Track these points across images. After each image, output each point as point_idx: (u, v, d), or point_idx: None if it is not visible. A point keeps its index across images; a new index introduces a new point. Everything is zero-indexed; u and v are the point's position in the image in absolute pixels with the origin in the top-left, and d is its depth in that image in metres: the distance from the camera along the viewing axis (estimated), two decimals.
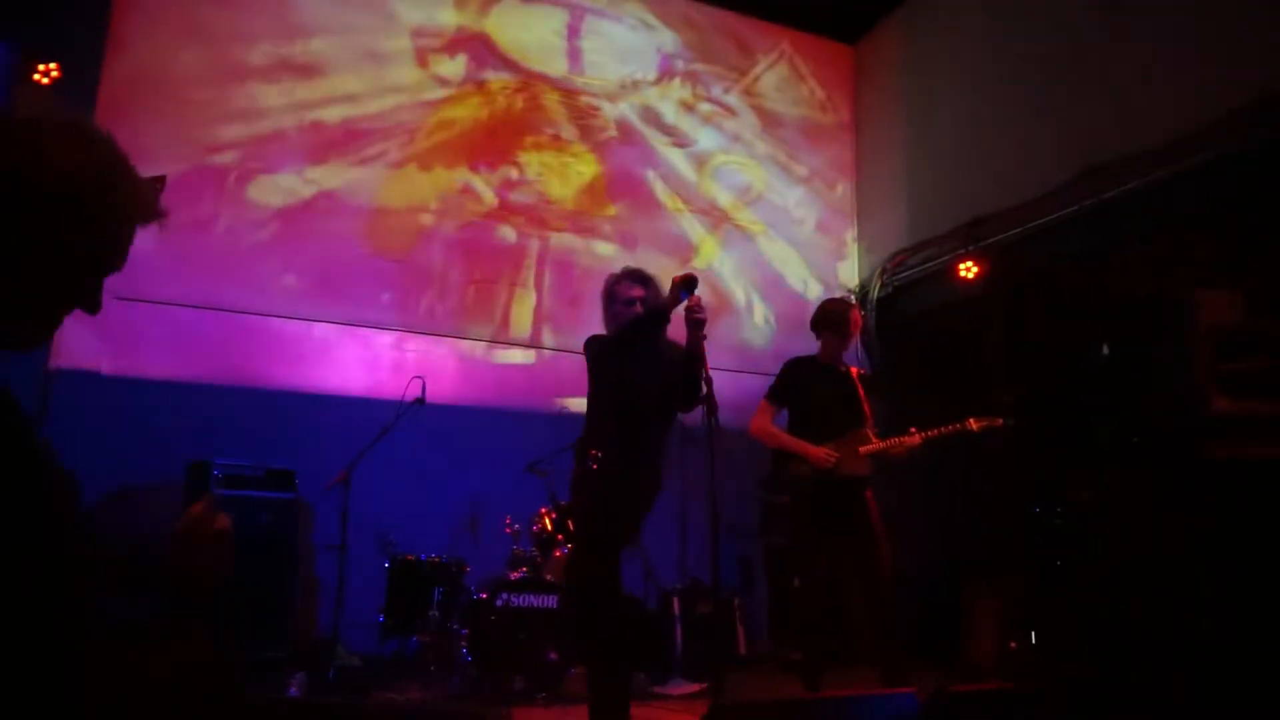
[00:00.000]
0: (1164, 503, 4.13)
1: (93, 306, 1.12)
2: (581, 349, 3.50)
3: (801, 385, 4.01)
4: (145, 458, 4.77)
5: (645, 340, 3.30)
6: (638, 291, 3.41)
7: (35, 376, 4.77)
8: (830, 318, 4.10)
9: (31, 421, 1.04)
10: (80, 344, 5.02)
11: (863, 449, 3.84)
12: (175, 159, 5.40)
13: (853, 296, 7.26)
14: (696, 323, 3.10)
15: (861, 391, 3.98)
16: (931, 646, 5.15)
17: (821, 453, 3.78)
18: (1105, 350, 4.95)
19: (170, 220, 1.18)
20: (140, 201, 1.14)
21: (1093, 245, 5.25)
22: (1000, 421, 3.77)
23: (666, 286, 3.34)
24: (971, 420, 3.83)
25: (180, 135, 5.49)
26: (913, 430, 3.83)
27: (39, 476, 1.02)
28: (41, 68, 4.39)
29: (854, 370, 4.08)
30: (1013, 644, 4.78)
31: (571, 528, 4.62)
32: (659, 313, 3.20)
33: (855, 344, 4.06)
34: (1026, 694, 2.65)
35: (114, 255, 1.12)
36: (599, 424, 3.41)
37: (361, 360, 5.71)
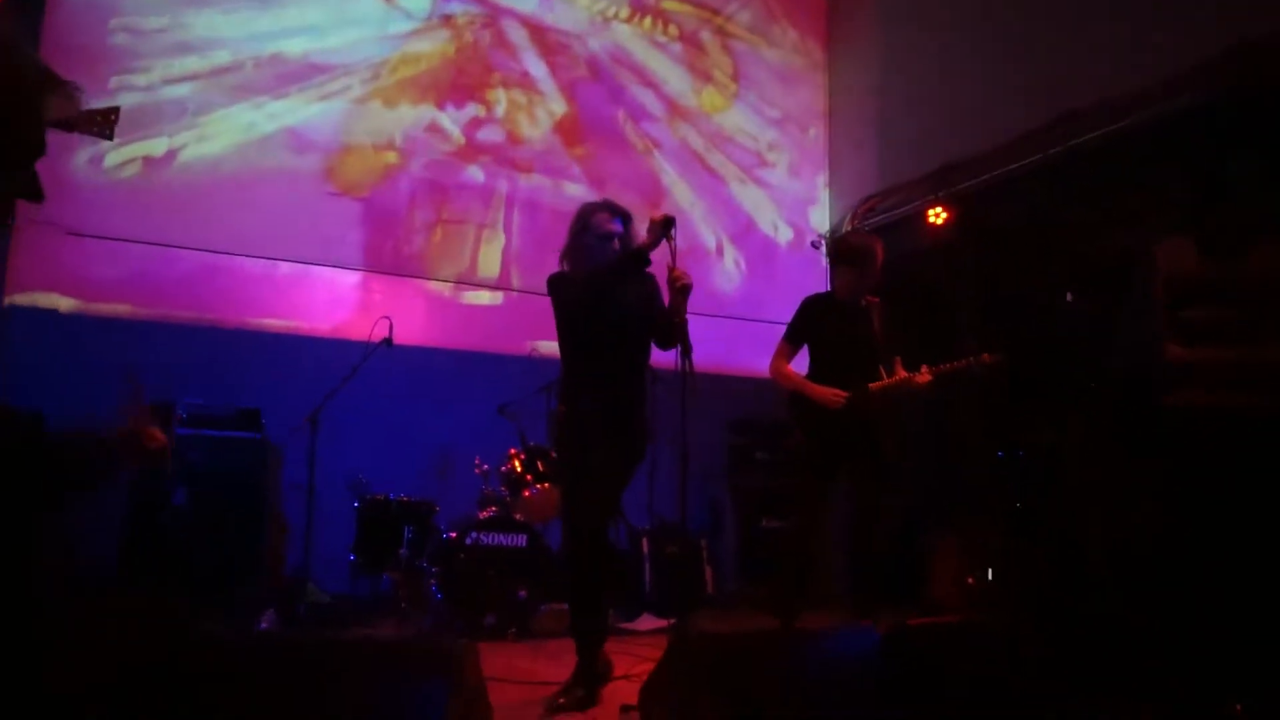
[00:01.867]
0: (1121, 447, 4.25)
1: (36, 194, 1.09)
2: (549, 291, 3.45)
3: (816, 324, 3.95)
4: (107, 397, 4.69)
5: (620, 280, 3.26)
6: (616, 227, 3.30)
7: None
8: (849, 252, 4.00)
9: None
10: (37, 279, 4.90)
11: (872, 385, 3.81)
12: (129, 90, 5.23)
13: (823, 241, 7.27)
14: (682, 290, 3.07)
15: (880, 326, 3.92)
16: (895, 586, 5.29)
17: (829, 393, 3.76)
18: (1069, 298, 5.02)
19: (117, 145, 1.09)
20: (50, 83, 1.08)
21: (1062, 194, 5.28)
22: (1002, 359, 3.76)
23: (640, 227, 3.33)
24: (985, 355, 3.77)
25: (134, 66, 5.30)
26: (924, 368, 3.79)
27: None
28: None
29: (873, 302, 3.98)
30: (970, 579, 4.93)
31: (542, 469, 4.66)
32: (639, 254, 3.17)
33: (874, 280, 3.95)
34: (981, 626, 2.75)
35: (38, 140, 1.07)
36: (571, 365, 3.39)
37: (328, 300, 5.64)
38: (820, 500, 3.89)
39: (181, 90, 5.40)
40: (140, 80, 5.30)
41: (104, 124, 4.78)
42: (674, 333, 3.09)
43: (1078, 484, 4.65)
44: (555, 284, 3.38)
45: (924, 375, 3.78)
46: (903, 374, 3.82)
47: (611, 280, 3.22)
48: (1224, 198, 3.30)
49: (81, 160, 5.09)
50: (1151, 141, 4.73)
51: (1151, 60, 4.72)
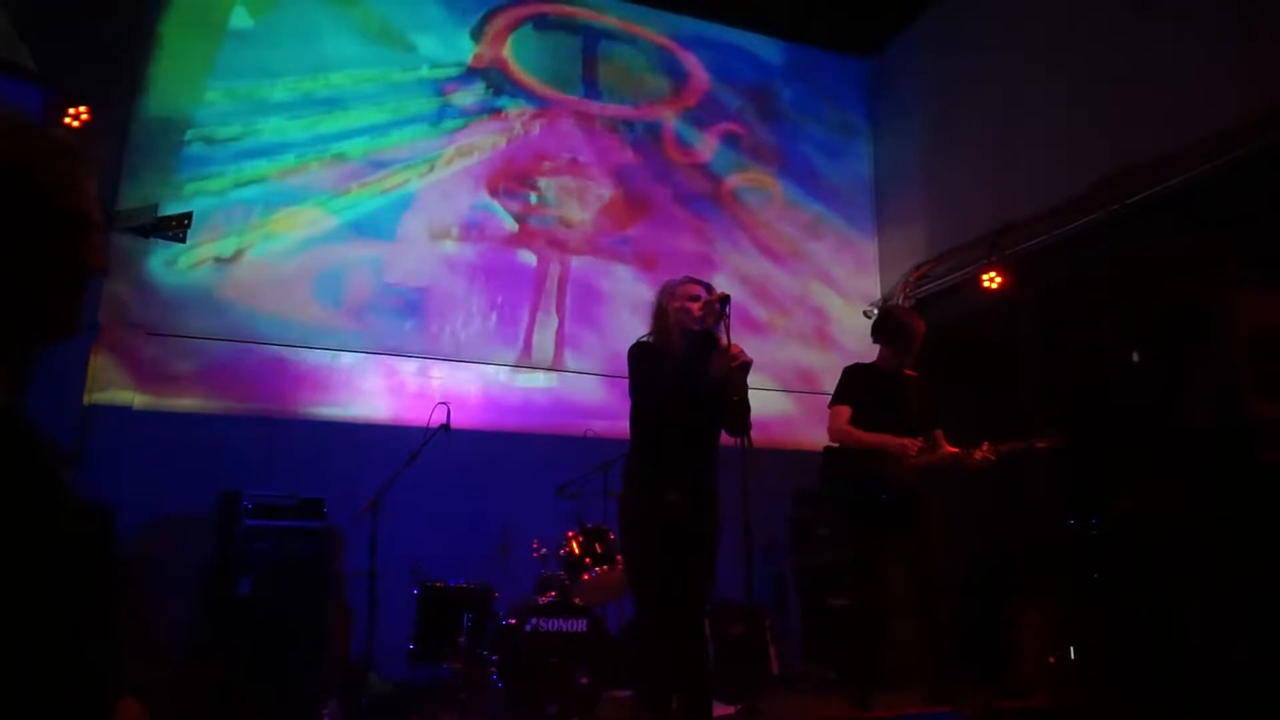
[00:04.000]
0: (1208, 509, 4.04)
1: (101, 264, 1.10)
2: (606, 369, 3.44)
3: (857, 391, 3.92)
4: (178, 489, 4.83)
5: (693, 358, 3.24)
6: (699, 290, 3.29)
7: (73, 413, 4.86)
8: (886, 328, 3.98)
9: (56, 462, 1.03)
10: (115, 378, 5.11)
11: (915, 460, 3.72)
12: (203, 194, 5.51)
13: (876, 311, 7.22)
14: (742, 367, 3.07)
15: (920, 399, 3.85)
16: (972, 661, 5.05)
17: (902, 441, 3.67)
18: (1136, 356, 4.88)
19: (197, 255, 1.17)
20: (79, 155, 1.11)
21: (1122, 250, 5.18)
22: (1064, 441, 3.63)
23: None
24: (1037, 439, 3.67)
25: (207, 171, 5.59)
26: (985, 445, 3.70)
27: (60, 516, 1.01)
28: (72, 111, 4.49)
29: (912, 375, 3.93)
30: (1051, 659, 4.68)
31: (600, 551, 4.61)
32: (705, 337, 3.19)
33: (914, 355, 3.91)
34: (1069, 709, 2.59)
35: (91, 209, 1.10)
36: (649, 445, 3.31)
37: (387, 388, 5.75)
38: (877, 575, 3.76)
39: (250, 193, 5.67)
40: (213, 185, 5.59)
41: (178, 228, 5.04)
42: (736, 412, 3.06)
43: (1160, 550, 4.43)
44: (637, 352, 3.29)
45: (983, 452, 3.68)
46: (951, 449, 3.73)
47: (689, 355, 3.20)
48: None
49: (158, 263, 5.34)
50: (1212, 193, 4.62)
51: (1209, 110, 4.65)
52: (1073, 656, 4.59)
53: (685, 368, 3.19)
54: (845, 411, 3.92)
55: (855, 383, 3.95)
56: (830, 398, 4.08)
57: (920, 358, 3.92)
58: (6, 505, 0.93)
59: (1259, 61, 4.44)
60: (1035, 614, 4.93)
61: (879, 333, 4.04)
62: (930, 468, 3.72)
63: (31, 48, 4.23)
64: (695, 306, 3.23)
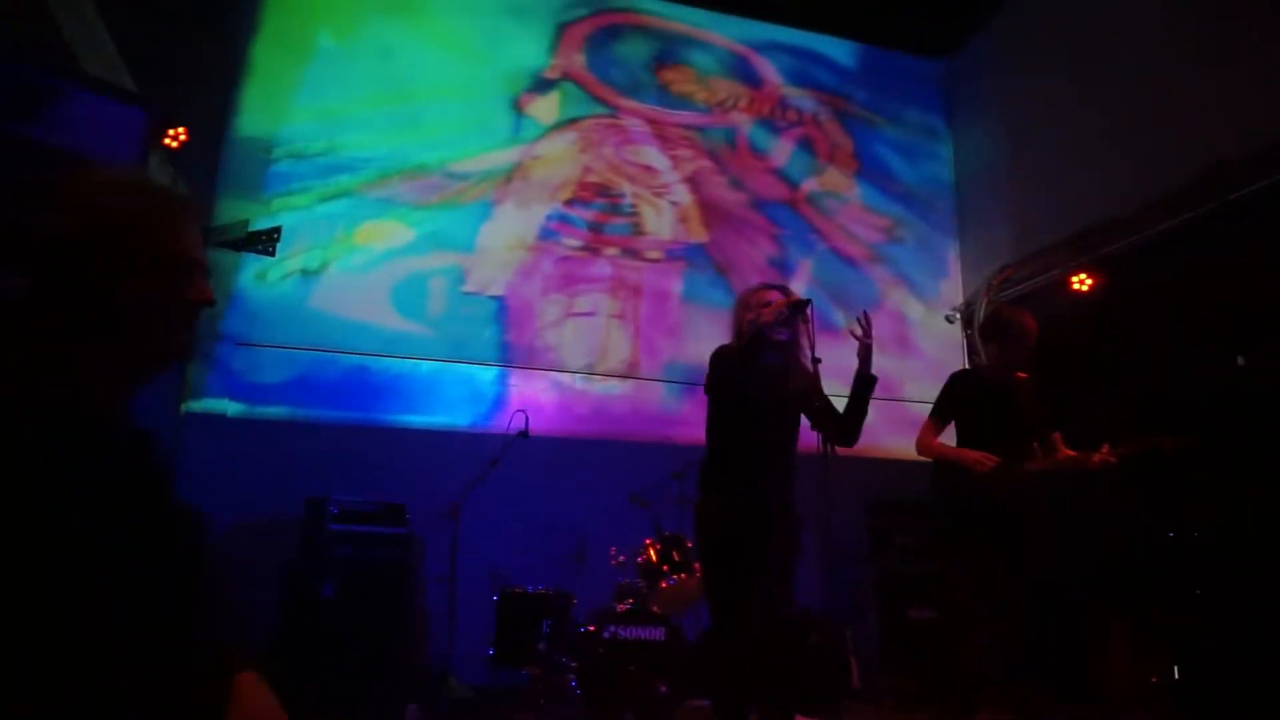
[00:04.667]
0: None
1: (208, 298, 1.25)
2: (681, 376, 3.44)
3: (963, 401, 3.79)
4: (267, 494, 4.99)
5: (769, 352, 3.21)
6: (775, 295, 3.29)
7: (170, 420, 5.08)
8: (993, 326, 3.84)
9: (167, 466, 1.20)
10: (210, 387, 5.33)
11: (1032, 465, 3.60)
12: (290, 209, 5.71)
13: (957, 315, 7.04)
14: (866, 349, 3.20)
15: (1031, 402, 3.70)
16: (1056, 672, 4.86)
17: (978, 455, 3.54)
18: (1241, 361, 4.63)
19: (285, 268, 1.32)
20: (185, 207, 1.27)
21: (1218, 251, 4.93)
22: (1191, 440, 3.45)
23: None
24: (1159, 439, 3.48)
25: (294, 187, 5.80)
26: (1105, 447, 3.54)
27: (172, 517, 1.18)
28: (171, 132, 4.71)
29: (1022, 378, 3.77)
30: (1154, 678, 4.47)
31: (678, 559, 4.59)
32: (758, 333, 3.15)
33: (1028, 354, 3.74)
34: None
35: (199, 251, 1.25)
36: (722, 449, 3.30)
37: (467, 395, 5.85)
38: (964, 587, 3.62)
39: (335, 207, 5.86)
40: (300, 200, 5.79)
41: (267, 242, 5.23)
42: (856, 411, 3.17)
43: (1266, 567, 4.19)
44: (716, 357, 3.30)
45: (1102, 455, 3.52)
46: (1070, 452, 3.58)
47: (755, 358, 3.18)
48: None
49: (249, 276, 5.55)
50: None
51: None
52: (1176, 676, 4.38)
53: (762, 373, 3.16)
54: (931, 426, 3.81)
55: (955, 393, 3.82)
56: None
57: (1032, 358, 3.77)
58: (132, 502, 1.10)
59: None
60: (1127, 627, 4.71)
61: (986, 333, 3.90)
62: (1053, 473, 3.58)
63: (132, 71, 4.45)
64: (768, 313, 3.20)
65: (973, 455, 3.56)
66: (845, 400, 3.29)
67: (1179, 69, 5.30)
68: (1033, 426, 3.67)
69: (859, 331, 3.20)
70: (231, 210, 5.57)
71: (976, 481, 3.55)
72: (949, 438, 3.87)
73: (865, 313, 3.21)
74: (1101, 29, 5.97)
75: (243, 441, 5.22)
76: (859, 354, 3.23)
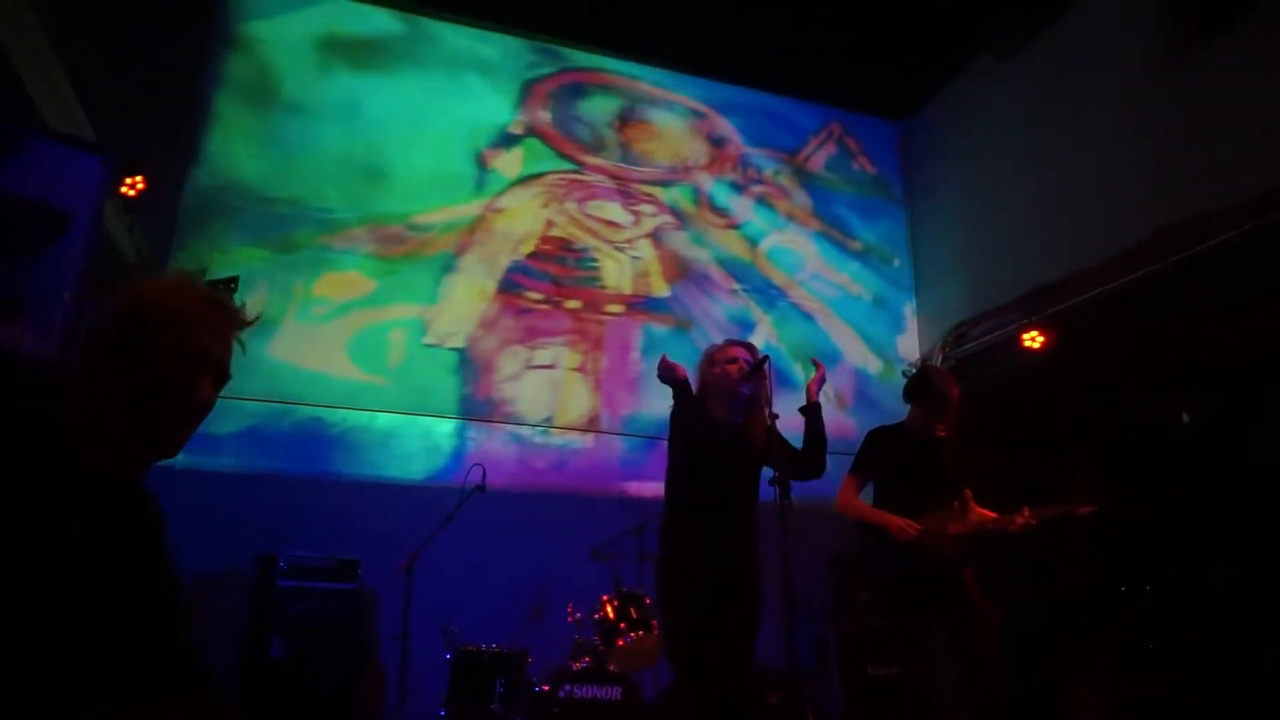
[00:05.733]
0: (1267, 582, 3.88)
1: (208, 406, 1.38)
2: (641, 431, 3.48)
3: (883, 457, 3.81)
4: (218, 549, 4.86)
5: (731, 408, 3.26)
6: (741, 351, 3.39)
7: None
8: (917, 388, 3.87)
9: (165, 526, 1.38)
10: None
11: (953, 529, 3.61)
12: (249, 260, 5.66)
13: (914, 371, 7.14)
14: (820, 380, 3.46)
15: (951, 460, 3.73)
16: None
17: (901, 522, 3.55)
18: (1186, 419, 4.75)
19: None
20: (234, 315, 1.40)
21: (1167, 309, 5.08)
22: (1105, 505, 3.51)
23: None
24: (1077, 504, 3.55)
25: (255, 238, 5.76)
26: (1025, 510, 3.59)
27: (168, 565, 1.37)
28: (129, 180, 4.67)
29: (943, 435, 3.79)
30: None
31: (635, 616, 4.53)
32: (746, 376, 3.24)
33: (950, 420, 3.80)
34: None
35: (225, 364, 1.40)
36: (679, 501, 3.31)
37: (423, 449, 5.78)
38: (919, 643, 3.60)
39: (295, 257, 5.83)
40: (259, 251, 5.75)
41: (224, 292, 5.16)
42: (814, 439, 3.32)
43: (1219, 624, 4.25)
44: (678, 412, 3.35)
45: (1022, 518, 3.57)
46: (986, 512, 3.63)
47: (716, 415, 3.25)
48: None
49: None
50: (1263, 250, 4.53)
51: (1251, 169, 4.60)
52: None
53: (723, 429, 3.19)
54: (853, 483, 3.83)
55: (876, 449, 3.85)
56: None
57: (958, 420, 3.83)
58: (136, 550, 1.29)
59: None
60: (1088, 689, 4.73)
61: (910, 394, 3.95)
62: (967, 536, 3.61)
63: (94, 120, 4.43)
64: (734, 369, 3.27)
65: (896, 522, 3.58)
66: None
67: (1125, 136, 5.52)
68: (953, 483, 3.71)
69: (817, 373, 3.48)
70: (189, 259, 5.51)
71: (902, 545, 3.56)
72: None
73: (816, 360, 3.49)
74: (1053, 96, 6.21)
75: (190, 495, 5.07)
76: (810, 388, 3.46)
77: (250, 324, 1.41)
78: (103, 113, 4.52)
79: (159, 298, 1.30)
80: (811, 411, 3.44)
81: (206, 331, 1.33)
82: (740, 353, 3.39)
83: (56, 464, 1.17)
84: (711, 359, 3.44)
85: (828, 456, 3.39)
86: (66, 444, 1.20)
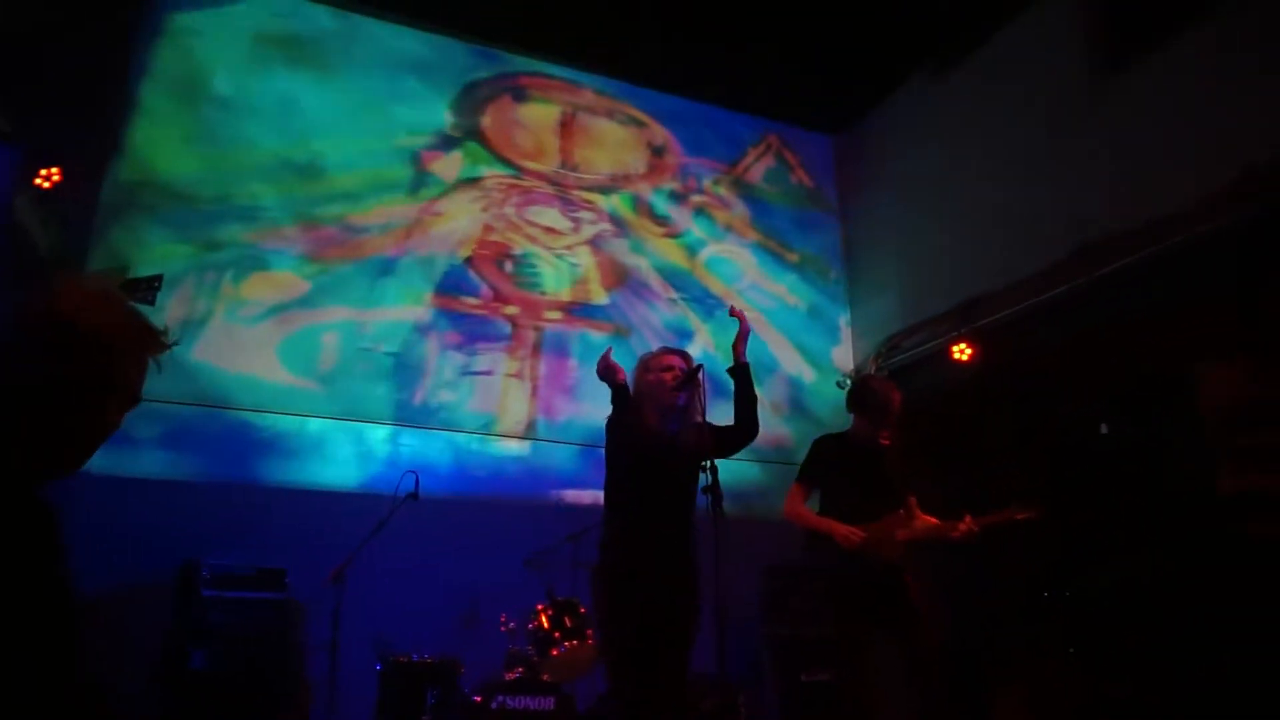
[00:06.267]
0: (1183, 585, 4.03)
1: (113, 427, 1.34)
2: (579, 438, 3.46)
3: (829, 465, 3.85)
4: (136, 557, 4.67)
5: (666, 417, 3.27)
6: (676, 360, 3.42)
7: None
8: (860, 397, 3.93)
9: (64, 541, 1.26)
10: None
11: (899, 534, 3.67)
12: (174, 257, 5.47)
13: (848, 381, 7.27)
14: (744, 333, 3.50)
15: (895, 468, 3.81)
16: None
17: (846, 530, 3.60)
18: (1104, 429, 4.93)
19: (165, 318, 1.33)
20: (152, 339, 1.36)
21: (1090, 322, 5.28)
22: (1038, 512, 3.64)
23: None
24: (1014, 510, 3.66)
25: (180, 235, 5.57)
26: (967, 517, 3.67)
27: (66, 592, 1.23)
28: (43, 172, 4.48)
29: (886, 444, 3.86)
30: None
31: (570, 625, 4.50)
32: (680, 384, 3.26)
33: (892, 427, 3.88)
34: None
35: (137, 387, 1.35)
36: (616, 510, 3.31)
37: (356, 455, 5.66)
38: (864, 649, 3.66)
39: (223, 256, 5.65)
40: (185, 249, 5.55)
41: (146, 290, 4.98)
42: (743, 401, 3.35)
43: (1138, 625, 4.41)
44: (612, 425, 3.36)
45: (965, 525, 3.66)
46: (930, 519, 3.71)
47: (651, 422, 3.26)
48: (1263, 321, 3.27)
49: None
50: (1177, 267, 4.73)
51: (1171, 186, 4.80)
52: None
53: (660, 437, 3.19)
54: (799, 491, 3.88)
55: (821, 457, 3.91)
56: None
57: (900, 428, 3.90)
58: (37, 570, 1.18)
59: (1216, 144, 4.61)
60: (1019, 696, 4.85)
61: (853, 403, 4.01)
62: (910, 541, 3.68)
63: (9, 110, 4.23)
64: (669, 377, 3.28)
65: (841, 530, 3.63)
66: (741, 465, 3.36)
67: (1054, 152, 5.71)
68: (896, 491, 3.78)
69: (740, 327, 3.54)
70: (109, 256, 5.30)
71: (849, 552, 3.62)
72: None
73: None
74: (984, 112, 6.40)
75: (108, 502, 4.86)
76: (736, 346, 3.51)
77: (171, 348, 1.37)
78: (19, 101, 4.32)
79: (79, 314, 1.24)
80: (739, 373, 3.49)
81: (126, 356, 1.30)
82: (675, 361, 3.41)
83: None
84: (646, 366, 3.46)
85: (762, 462, 3.41)
86: None
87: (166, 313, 5.34)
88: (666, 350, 3.53)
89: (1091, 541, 4.81)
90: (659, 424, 3.30)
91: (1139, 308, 4.92)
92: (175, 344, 1.39)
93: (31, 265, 4.62)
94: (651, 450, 3.24)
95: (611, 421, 3.35)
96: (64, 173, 4.53)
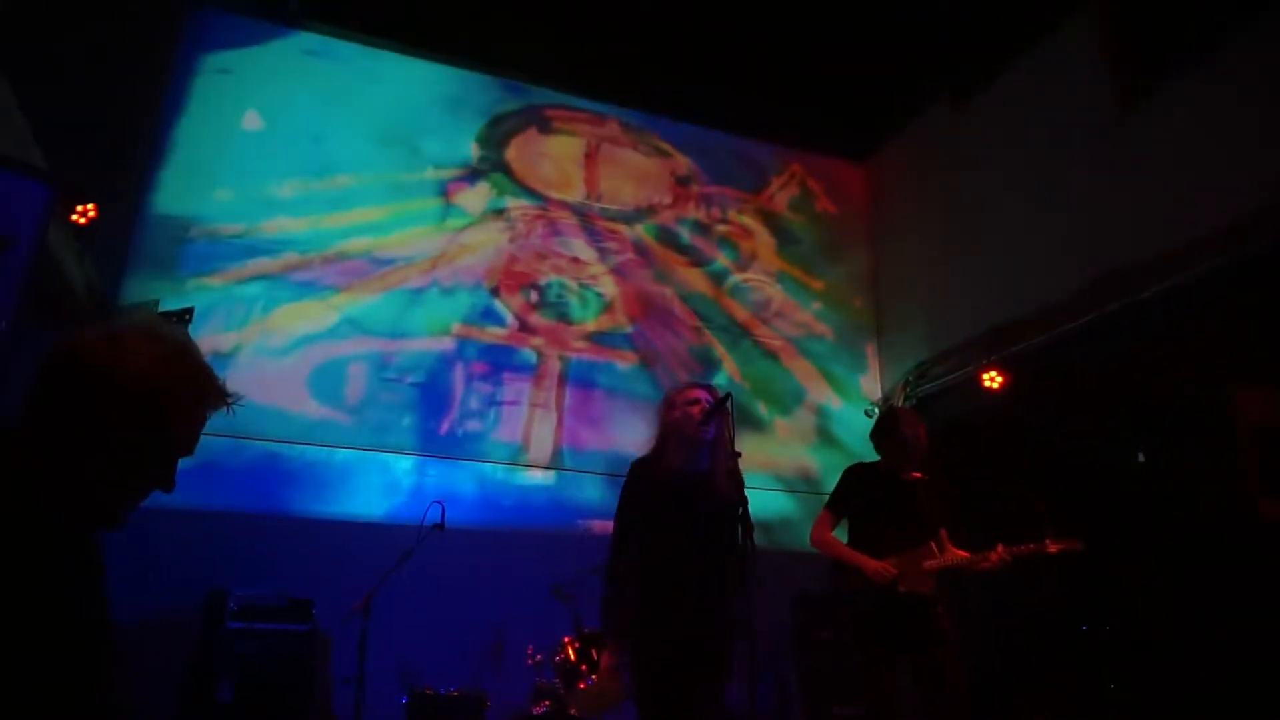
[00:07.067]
0: (1223, 613, 3.92)
1: (168, 486, 1.34)
2: (605, 468, 3.41)
3: (858, 495, 3.78)
4: (164, 588, 4.68)
5: (691, 450, 3.20)
6: (701, 394, 3.30)
7: None
8: (885, 430, 3.85)
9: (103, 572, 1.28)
10: None
11: (926, 564, 3.60)
12: (205, 290, 5.55)
13: (876, 410, 7.19)
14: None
15: (926, 501, 3.74)
16: None
17: (878, 566, 3.54)
18: (1142, 456, 4.82)
19: (200, 346, 1.33)
20: (211, 395, 1.35)
21: (1119, 348, 5.19)
22: (1077, 545, 3.55)
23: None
24: (1049, 541, 3.56)
25: (210, 268, 5.65)
26: (999, 547, 3.58)
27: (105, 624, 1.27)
28: (79, 208, 4.56)
29: (918, 476, 3.81)
30: None
31: (596, 658, 4.44)
32: (708, 418, 3.17)
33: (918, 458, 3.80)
34: None
35: (189, 443, 1.33)
36: (639, 549, 3.23)
37: (383, 485, 5.66)
38: (887, 683, 3.57)
39: (252, 289, 5.72)
40: (214, 281, 5.63)
41: (178, 324, 5.05)
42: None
43: (1178, 656, 4.28)
44: (631, 476, 3.30)
45: (997, 554, 3.58)
46: (960, 552, 3.63)
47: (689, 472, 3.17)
48: None
49: None
50: (1207, 293, 4.65)
51: (1198, 213, 4.73)
52: None
53: (687, 477, 3.14)
54: (828, 519, 3.81)
55: (852, 486, 3.84)
56: None
57: (930, 460, 3.83)
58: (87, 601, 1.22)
59: (1243, 167, 4.55)
60: None
61: (878, 437, 3.95)
62: (946, 573, 3.60)
63: (45, 147, 4.33)
64: (695, 410, 3.21)
65: (873, 565, 3.56)
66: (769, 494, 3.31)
67: (1082, 177, 5.65)
68: (928, 524, 3.70)
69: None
70: (142, 289, 5.38)
71: (877, 588, 3.55)
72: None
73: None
74: (1010, 139, 6.36)
75: (136, 532, 4.89)
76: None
77: (230, 404, 1.35)
78: (55, 139, 4.42)
79: (146, 375, 1.22)
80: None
81: (191, 419, 1.29)
82: (701, 394, 3.31)
83: None
84: (671, 403, 3.35)
85: (790, 493, 3.35)
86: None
87: (197, 345, 5.40)
88: (691, 384, 3.44)
89: (1130, 572, 4.69)
90: (685, 464, 3.23)
91: (1171, 332, 4.83)
92: (238, 401, 1.37)
93: (66, 300, 4.70)
94: (680, 491, 3.18)
95: (630, 472, 3.30)
96: (98, 209, 4.61)
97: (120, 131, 5.32)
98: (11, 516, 1.12)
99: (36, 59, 4.22)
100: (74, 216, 4.53)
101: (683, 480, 3.17)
